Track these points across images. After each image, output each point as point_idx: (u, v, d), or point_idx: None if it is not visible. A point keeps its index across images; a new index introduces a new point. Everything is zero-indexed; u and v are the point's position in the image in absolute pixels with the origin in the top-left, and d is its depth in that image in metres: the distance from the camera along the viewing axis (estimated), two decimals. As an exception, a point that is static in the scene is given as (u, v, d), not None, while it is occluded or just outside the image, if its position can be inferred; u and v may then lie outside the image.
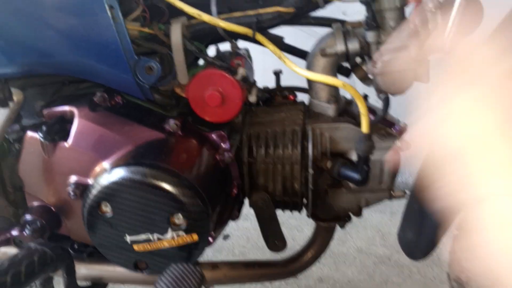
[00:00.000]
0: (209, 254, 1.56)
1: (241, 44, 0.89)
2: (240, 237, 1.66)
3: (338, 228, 0.94)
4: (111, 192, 0.69)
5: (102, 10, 0.67)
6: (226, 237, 1.66)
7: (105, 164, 0.73)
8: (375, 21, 0.71)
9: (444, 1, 0.69)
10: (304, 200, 0.88)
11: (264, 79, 0.98)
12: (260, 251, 1.56)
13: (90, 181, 0.74)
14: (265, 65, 0.94)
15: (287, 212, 1.26)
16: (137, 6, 0.74)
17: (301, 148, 0.82)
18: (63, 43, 0.72)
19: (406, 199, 0.88)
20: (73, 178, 0.76)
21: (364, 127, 0.72)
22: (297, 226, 1.69)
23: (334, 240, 1.59)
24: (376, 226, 1.67)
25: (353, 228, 1.66)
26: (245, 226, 1.70)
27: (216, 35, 0.77)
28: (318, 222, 0.91)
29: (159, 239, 0.71)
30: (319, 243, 0.96)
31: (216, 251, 1.58)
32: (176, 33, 0.71)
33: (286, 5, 0.71)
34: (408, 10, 0.72)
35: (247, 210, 0.91)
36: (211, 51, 0.87)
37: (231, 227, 1.71)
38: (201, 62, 0.87)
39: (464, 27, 0.65)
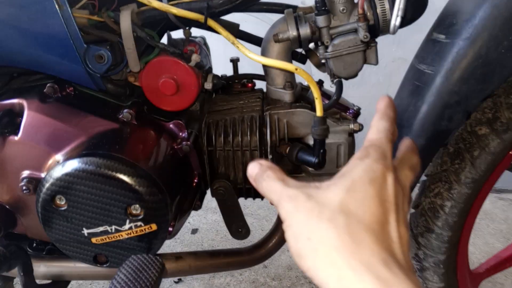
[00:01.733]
0: (177, 249, 1.55)
1: (198, 32, 0.89)
2: (209, 231, 1.65)
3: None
4: (64, 185, 0.67)
5: (47, -2, 0.65)
6: (194, 231, 1.65)
7: (58, 156, 0.71)
8: (324, 6, 0.72)
9: (390, -15, 0.71)
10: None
11: (225, 68, 0.98)
12: (230, 244, 1.56)
13: (43, 175, 0.72)
14: (226, 54, 0.94)
15: (256, 203, 1.26)
16: (85, -6, 0.72)
17: (259, 135, 0.82)
18: (7, 33, 0.69)
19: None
20: (25, 173, 0.74)
21: (318, 111, 0.73)
22: (265, 216, 1.71)
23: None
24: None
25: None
26: (213, 219, 1.70)
27: (168, 22, 0.76)
28: (281, 208, 0.92)
29: (117, 230, 0.70)
30: (282, 229, 0.96)
31: (184, 246, 1.57)
32: (125, 20, 0.69)
33: (237, -10, 0.71)
34: (357, -6, 0.73)
35: (216, 203, 0.91)
36: (165, 39, 0.86)
37: (200, 220, 1.71)
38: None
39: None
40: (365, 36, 0.72)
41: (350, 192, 0.39)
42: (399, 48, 1.74)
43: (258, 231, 1.63)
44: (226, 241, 1.59)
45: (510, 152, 0.79)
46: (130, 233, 0.70)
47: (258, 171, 0.44)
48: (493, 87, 0.71)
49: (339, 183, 0.40)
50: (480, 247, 1.56)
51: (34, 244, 0.88)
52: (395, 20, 0.69)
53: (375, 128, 0.46)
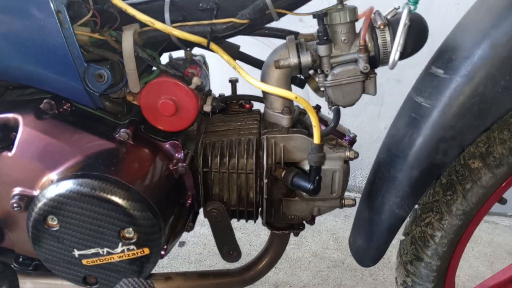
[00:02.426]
0: (164, 262, 1.54)
1: (198, 50, 0.88)
2: (197, 244, 1.64)
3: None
4: (57, 206, 0.66)
5: (49, 15, 0.64)
6: (182, 244, 1.64)
7: (52, 175, 0.70)
8: (326, 35, 0.72)
9: (392, 19, 0.72)
10: (259, 209, 0.89)
11: (222, 85, 0.98)
12: (217, 258, 1.55)
13: (35, 193, 0.71)
14: (223, 71, 0.94)
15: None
16: (87, 11, 0.72)
17: (255, 158, 0.82)
18: (8, 48, 0.68)
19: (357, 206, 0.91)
20: (17, 190, 0.72)
21: (316, 139, 0.73)
22: (254, 231, 1.70)
23: (290, 245, 1.63)
24: (331, 229, 1.71)
25: (309, 232, 1.69)
26: (201, 232, 1.69)
27: (170, 43, 0.76)
28: (273, 230, 0.92)
29: (109, 253, 0.69)
30: (273, 251, 0.97)
31: (171, 259, 1.56)
32: (127, 40, 0.69)
33: (241, 17, 0.71)
34: (358, 25, 0.74)
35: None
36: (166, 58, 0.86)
37: (188, 233, 1.69)
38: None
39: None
40: (365, 67, 0.72)
41: None
42: (393, 69, 1.76)
43: (246, 245, 1.63)
44: (213, 255, 1.57)
45: (501, 186, 0.80)
46: (122, 256, 0.69)
47: None
48: (488, 124, 0.72)
49: None
50: (465, 270, 1.57)
51: (20, 259, 0.86)
52: (394, 55, 0.70)
53: None
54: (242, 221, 1.37)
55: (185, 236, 1.68)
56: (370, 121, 1.83)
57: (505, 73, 0.67)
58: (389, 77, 1.76)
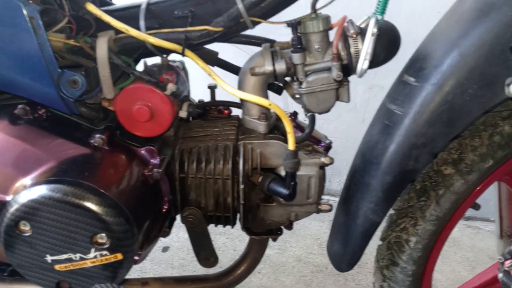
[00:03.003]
0: (147, 267, 1.53)
1: (178, 56, 0.89)
2: (180, 249, 1.64)
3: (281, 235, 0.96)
4: (30, 211, 0.66)
5: (22, 21, 0.64)
6: (165, 249, 1.64)
7: (25, 180, 0.70)
8: (300, 44, 0.73)
9: (365, 28, 0.74)
10: (237, 214, 0.89)
11: (204, 92, 0.99)
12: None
13: (8, 198, 0.71)
14: (205, 77, 0.94)
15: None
16: (62, 17, 0.72)
17: (232, 164, 0.83)
18: (-20, 53, 0.68)
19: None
20: (-11, 195, 0.72)
21: (290, 145, 0.74)
22: (238, 236, 1.70)
23: (274, 250, 1.63)
24: (315, 234, 1.72)
25: (293, 237, 1.70)
26: (185, 238, 1.68)
27: (146, 49, 0.76)
28: (251, 235, 0.93)
29: (82, 258, 0.69)
30: (252, 256, 0.97)
31: (154, 264, 1.55)
32: (101, 47, 0.69)
33: (215, 25, 0.72)
34: (332, 33, 0.75)
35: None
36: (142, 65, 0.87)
37: (171, 238, 1.69)
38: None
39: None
40: (338, 75, 0.74)
41: None
42: (377, 75, 1.78)
43: (230, 251, 1.63)
44: (197, 261, 1.57)
45: (473, 192, 0.82)
46: (95, 262, 0.69)
47: None
48: (458, 131, 0.73)
49: None
50: (447, 275, 1.59)
51: (-4, 265, 0.86)
52: (362, 64, 0.71)
53: None
54: (228, 226, 1.37)
55: (168, 241, 1.68)
56: (354, 127, 1.85)
57: (473, 81, 0.69)
58: (373, 83, 1.78)
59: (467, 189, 0.80)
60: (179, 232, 1.71)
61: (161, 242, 1.67)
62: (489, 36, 0.67)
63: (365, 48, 0.69)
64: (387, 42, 0.73)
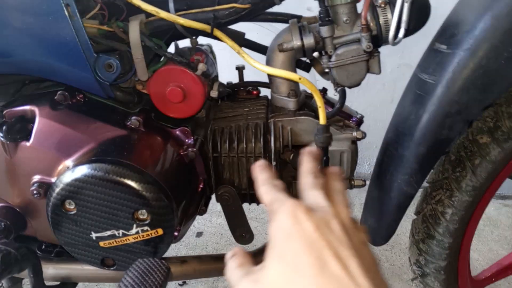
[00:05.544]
0: (182, 252, 1.57)
1: (205, 40, 0.90)
2: (214, 234, 1.67)
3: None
4: (74, 190, 0.69)
5: (59, 8, 0.67)
6: (199, 234, 1.67)
7: (68, 162, 0.73)
8: (328, 16, 0.73)
9: (393, -3, 0.73)
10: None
11: (231, 75, 1.00)
12: (233, 247, 1.58)
13: (53, 179, 0.74)
14: (233, 62, 0.96)
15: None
16: (95, 4, 0.75)
17: (264, 142, 0.84)
18: (20, 42, 0.71)
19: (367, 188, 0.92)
20: (36, 178, 0.76)
21: (321, 119, 0.74)
22: (253, 217, 1.72)
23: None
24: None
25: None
26: (218, 223, 1.72)
27: (175, 32, 0.78)
28: (284, 213, 0.93)
29: (124, 234, 0.72)
30: (286, 234, 0.98)
31: (189, 249, 1.59)
32: (134, 30, 0.71)
33: (243, 2, 0.72)
34: (360, 5, 0.75)
35: (221, 207, 0.92)
36: (173, 48, 0.88)
37: (205, 224, 1.73)
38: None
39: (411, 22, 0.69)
40: (368, 46, 0.73)
41: (281, 259, 0.39)
42: (405, 54, 1.75)
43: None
44: (230, 244, 1.60)
45: (511, 161, 0.80)
46: (137, 237, 0.72)
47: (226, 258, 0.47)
48: (494, 97, 0.72)
49: (270, 257, 0.40)
50: (484, 254, 1.56)
51: (43, 247, 0.90)
52: (394, 32, 0.70)
53: (262, 188, 0.47)
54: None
55: (202, 226, 1.71)
56: (383, 108, 1.83)
57: (508, 44, 0.67)
58: (400, 62, 1.75)
59: (504, 158, 0.78)
60: (212, 218, 1.75)
61: (195, 228, 1.71)
62: (524, -4, 0.65)
63: (396, 16, 0.68)
64: (417, 9, 0.72)
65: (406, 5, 0.68)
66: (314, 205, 0.43)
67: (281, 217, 0.41)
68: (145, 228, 0.71)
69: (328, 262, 0.37)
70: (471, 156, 0.80)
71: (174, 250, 1.58)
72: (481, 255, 1.55)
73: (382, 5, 0.72)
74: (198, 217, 1.57)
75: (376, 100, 1.83)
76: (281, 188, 0.46)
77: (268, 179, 0.48)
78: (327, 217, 0.41)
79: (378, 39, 0.75)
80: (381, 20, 0.73)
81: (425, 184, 0.89)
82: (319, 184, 0.46)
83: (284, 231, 0.40)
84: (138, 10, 0.73)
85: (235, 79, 0.98)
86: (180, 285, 1.42)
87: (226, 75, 1.05)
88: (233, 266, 0.45)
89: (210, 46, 0.97)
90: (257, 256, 0.96)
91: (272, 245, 0.41)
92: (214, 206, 0.88)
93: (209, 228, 1.70)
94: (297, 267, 0.37)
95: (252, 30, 0.92)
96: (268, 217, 0.44)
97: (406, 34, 0.73)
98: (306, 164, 0.50)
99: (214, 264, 0.93)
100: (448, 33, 0.75)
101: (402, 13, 0.69)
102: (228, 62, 1.03)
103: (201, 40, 0.90)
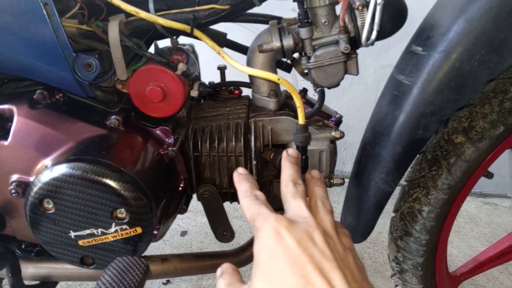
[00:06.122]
0: (166, 251, 1.57)
1: (187, 40, 0.91)
2: (198, 233, 1.67)
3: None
4: (52, 189, 0.69)
5: (37, 7, 0.67)
6: (184, 233, 1.67)
7: (46, 161, 0.73)
8: (307, 18, 0.74)
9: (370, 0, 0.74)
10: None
11: (214, 74, 1.00)
12: (218, 246, 1.58)
13: (31, 178, 0.74)
14: (215, 61, 0.96)
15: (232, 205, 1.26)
16: (74, 3, 0.75)
17: (244, 141, 0.85)
18: (0, 41, 0.71)
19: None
20: (14, 177, 0.75)
21: (300, 119, 0.75)
22: (238, 216, 1.73)
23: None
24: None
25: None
26: (203, 222, 1.73)
27: (156, 31, 0.78)
28: (265, 212, 0.94)
29: (103, 233, 0.72)
30: (267, 232, 0.99)
31: (174, 248, 1.59)
32: (113, 30, 0.71)
33: (222, 3, 0.73)
34: (338, 7, 0.76)
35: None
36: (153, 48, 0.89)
37: (189, 223, 1.73)
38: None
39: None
40: (345, 48, 0.74)
41: (267, 279, 0.40)
42: (388, 55, 1.77)
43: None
44: (214, 243, 1.61)
45: (485, 160, 0.82)
46: (116, 236, 0.72)
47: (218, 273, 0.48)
48: (467, 98, 0.73)
49: (256, 277, 0.41)
50: (464, 251, 1.59)
51: (23, 246, 0.90)
52: (367, 34, 0.72)
53: (243, 200, 0.48)
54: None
55: (187, 225, 1.71)
56: (367, 108, 1.85)
57: (481, 47, 0.69)
58: (383, 63, 1.77)
59: (479, 157, 0.80)
60: (196, 217, 1.75)
61: (179, 227, 1.71)
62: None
63: (368, 18, 0.69)
64: (393, 12, 0.73)
65: (378, 8, 0.69)
66: (296, 216, 0.44)
67: (264, 235, 0.42)
68: (124, 226, 0.71)
69: (312, 278, 0.38)
70: (446, 155, 0.82)
71: (158, 249, 1.58)
72: (461, 251, 1.58)
73: (360, 8, 0.73)
74: (182, 216, 1.57)
75: (360, 100, 1.86)
76: (262, 201, 0.47)
77: (248, 190, 0.49)
78: (309, 229, 0.42)
79: (356, 41, 0.76)
80: (359, 22, 0.74)
81: (403, 182, 0.91)
82: (300, 193, 0.47)
83: (267, 249, 0.41)
84: (118, 10, 0.73)
85: (217, 79, 0.98)
86: (164, 283, 1.42)
87: (209, 74, 1.06)
88: (222, 286, 0.46)
89: (192, 46, 0.98)
90: (240, 254, 0.97)
91: (257, 264, 0.42)
92: (199, 205, 0.89)
93: (193, 227, 1.70)
94: (283, 286, 0.39)
95: (238, 30, 0.93)
96: (253, 232, 0.45)
97: (381, 36, 0.75)
98: (287, 171, 0.51)
99: (195, 262, 0.93)
100: (424, 36, 0.76)
101: (375, 15, 0.70)
102: (212, 62, 1.03)
103: (184, 40, 0.91)
